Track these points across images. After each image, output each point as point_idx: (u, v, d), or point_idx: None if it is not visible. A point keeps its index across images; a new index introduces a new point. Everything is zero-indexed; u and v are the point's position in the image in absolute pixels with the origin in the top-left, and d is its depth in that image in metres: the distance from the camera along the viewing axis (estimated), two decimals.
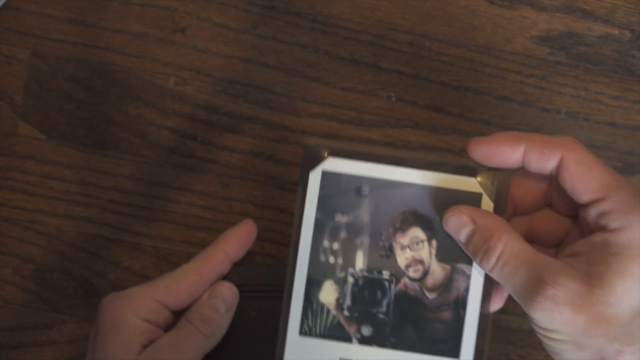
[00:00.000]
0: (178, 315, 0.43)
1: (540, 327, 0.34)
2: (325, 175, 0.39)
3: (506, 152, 0.36)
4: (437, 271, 0.39)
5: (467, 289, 0.38)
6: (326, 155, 0.39)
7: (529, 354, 0.51)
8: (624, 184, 0.34)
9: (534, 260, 0.34)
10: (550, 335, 0.34)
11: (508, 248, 0.35)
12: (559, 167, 0.35)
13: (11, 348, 0.52)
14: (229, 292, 0.42)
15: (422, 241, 0.39)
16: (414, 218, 0.39)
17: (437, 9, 0.51)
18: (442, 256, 0.39)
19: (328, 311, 0.39)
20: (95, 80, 0.52)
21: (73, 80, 0.52)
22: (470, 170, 0.38)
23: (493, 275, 0.36)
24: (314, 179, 0.39)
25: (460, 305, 0.38)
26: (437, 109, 0.51)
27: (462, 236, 0.37)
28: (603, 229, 0.34)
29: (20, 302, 0.52)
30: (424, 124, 0.51)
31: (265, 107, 0.52)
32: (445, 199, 0.38)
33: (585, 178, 0.35)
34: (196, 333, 0.41)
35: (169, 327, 0.43)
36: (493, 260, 0.35)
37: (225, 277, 0.44)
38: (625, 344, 0.33)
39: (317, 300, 0.39)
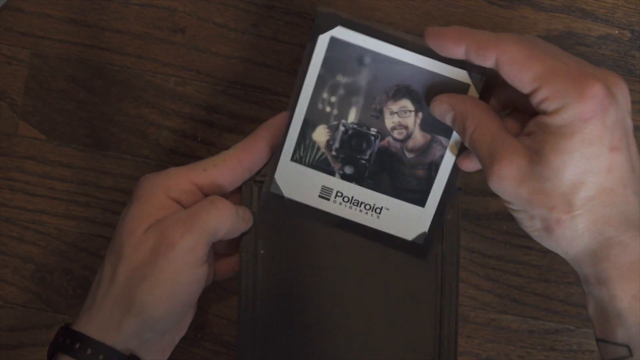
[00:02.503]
0: None
1: (501, 198, 0.40)
2: (333, 40, 0.43)
3: (450, 48, 0.40)
4: (419, 137, 0.44)
5: (441, 157, 0.44)
6: (337, 24, 0.43)
7: (529, 354, 0.51)
8: (557, 71, 0.37)
9: (496, 139, 0.39)
10: (508, 205, 0.40)
11: (478, 128, 0.40)
12: (497, 67, 0.39)
13: (11, 348, 0.52)
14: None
15: (410, 111, 0.44)
16: (406, 91, 0.44)
17: (437, 9, 0.51)
18: (425, 126, 0.44)
19: (318, 148, 0.45)
20: (95, 80, 0.52)
21: (73, 80, 0.52)
22: (463, 63, 0.42)
23: (469, 148, 0.41)
24: (323, 41, 0.43)
25: (433, 167, 0.44)
26: None
27: (446, 121, 0.42)
28: (543, 113, 0.37)
29: (20, 302, 0.52)
30: None
31: (265, 107, 0.52)
32: (437, 82, 0.43)
33: (519, 74, 0.38)
34: (209, 206, 0.42)
35: None
36: (467, 138, 0.40)
37: None
38: (563, 212, 0.37)
39: (310, 138, 0.44)
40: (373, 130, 0.44)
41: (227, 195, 0.44)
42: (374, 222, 0.45)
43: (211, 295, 0.51)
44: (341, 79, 0.44)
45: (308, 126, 0.44)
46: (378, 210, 0.45)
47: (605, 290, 0.37)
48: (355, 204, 0.45)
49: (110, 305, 0.41)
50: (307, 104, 0.44)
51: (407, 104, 0.44)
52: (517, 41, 0.38)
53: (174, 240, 0.40)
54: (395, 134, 0.44)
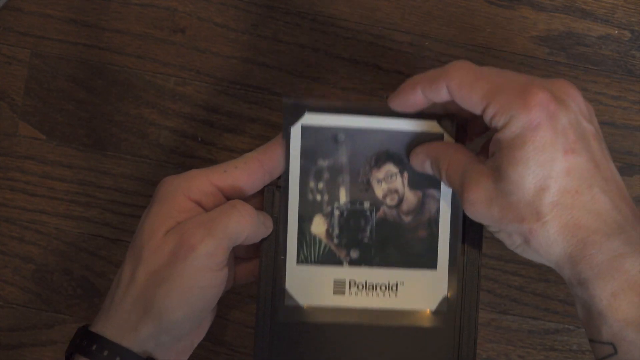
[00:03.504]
0: None
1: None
2: (305, 128, 0.44)
3: (410, 99, 0.41)
4: (410, 197, 0.44)
5: (437, 210, 0.44)
6: (304, 111, 0.44)
7: (529, 354, 0.51)
8: (503, 86, 0.38)
9: (466, 169, 0.40)
10: (487, 228, 0.40)
11: (450, 165, 0.41)
12: (450, 95, 0.40)
13: (11, 348, 0.52)
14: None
15: (395, 174, 0.44)
16: (387, 156, 0.44)
17: (437, 9, 0.51)
18: (413, 184, 0.44)
19: (320, 241, 0.44)
20: (95, 80, 0.52)
21: (73, 80, 0.52)
22: (431, 114, 0.43)
23: (447, 186, 0.42)
24: (295, 132, 0.43)
25: (433, 224, 0.44)
26: None
27: (427, 170, 0.43)
28: (496, 130, 0.38)
29: (20, 302, 0.52)
30: None
31: (265, 107, 0.52)
32: (413, 139, 0.44)
33: (468, 96, 0.39)
34: (230, 210, 0.41)
35: None
36: (443, 176, 0.41)
37: None
38: (533, 221, 0.37)
39: (310, 233, 0.44)
40: (367, 205, 0.44)
41: (248, 198, 0.44)
42: (393, 302, 0.44)
43: None
44: (322, 162, 0.44)
45: (304, 221, 0.44)
46: (394, 288, 0.44)
47: (586, 291, 0.37)
48: (371, 288, 0.44)
49: (128, 307, 0.40)
50: (297, 200, 0.44)
51: (390, 167, 0.44)
52: (463, 67, 0.39)
53: (194, 244, 0.40)
54: (388, 200, 0.44)
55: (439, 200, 0.44)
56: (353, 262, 0.44)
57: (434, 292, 0.44)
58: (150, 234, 0.41)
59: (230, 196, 0.43)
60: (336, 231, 0.44)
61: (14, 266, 0.52)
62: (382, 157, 0.44)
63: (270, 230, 0.44)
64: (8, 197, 0.52)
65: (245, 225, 0.41)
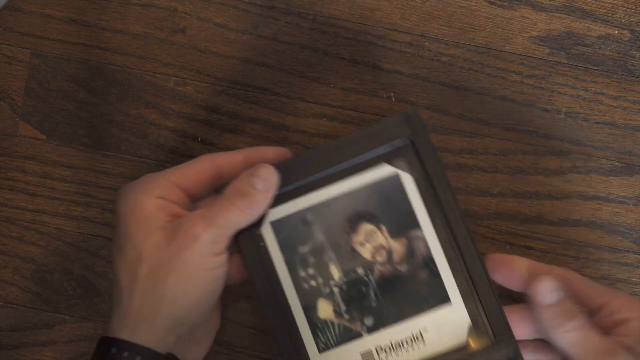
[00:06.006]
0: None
1: None
2: (274, 224, 0.44)
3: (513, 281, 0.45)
4: (397, 247, 0.44)
5: (427, 247, 0.44)
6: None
7: None
8: (616, 293, 0.44)
9: (599, 349, 0.41)
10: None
11: (582, 337, 0.42)
12: (565, 280, 0.44)
13: (11, 348, 0.52)
14: (269, 172, 0.43)
15: (373, 231, 0.44)
16: (358, 217, 0.44)
17: (437, 9, 0.51)
18: (394, 233, 0.44)
19: (332, 323, 0.44)
20: (95, 80, 0.52)
21: (73, 80, 0.52)
22: (377, 157, 0.44)
23: (556, 337, 0.42)
24: (267, 231, 0.44)
25: (429, 262, 0.44)
26: (437, 109, 0.51)
27: (547, 299, 0.42)
28: (618, 323, 0.42)
29: (20, 302, 0.52)
30: None
31: (265, 107, 0.52)
32: (374, 190, 0.44)
33: (587, 291, 0.44)
34: (229, 205, 0.42)
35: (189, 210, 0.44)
36: (570, 335, 0.42)
37: None
38: None
39: (320, 319, 0.44)
40: (361, 271, 0.44)
41: (204, 195, 0.45)
42: (424, 351, 0.44)
43: None
44: (303, 249, 0.44)
45: (310, 311, 0.44)
46: (419, 337, 0.44)
47: None
48: (398, 346, 0.44)
49: (138, 305, 0.41)
50: (295, 294, 0.44)
51: (366, 226, 0.44)
52: (568, 274, 0.45)
53: (197, 233, 0.41)
54: (378, 258, 0.44)
55: (424, 238, 0.44)
56: (371, 330, 0.44)
57: (459, 325, 0.44)
58: (145, 234, 0.42)
59: (184, 189, 0.44)
60: (343, 307, 0.44)
61: (14, 266, 0.52)
62: (354, 220, 0.44)
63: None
64: (8, 197, 0.52)
65: (244, 219, 0.43)
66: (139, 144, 0.52)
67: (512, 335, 0.43)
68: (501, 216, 0.51)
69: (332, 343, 0.44)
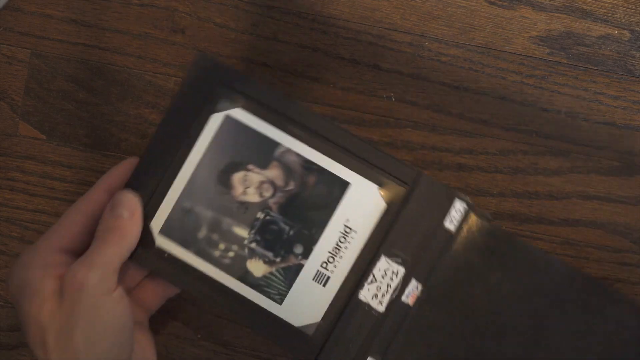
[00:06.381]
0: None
1: None
2: (163, 231, 0.45)
3: None
4: (274, 173, 0.45)
5: (298, 155, 0.44)
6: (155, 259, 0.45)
7: None
8: None
9: None
10: None
11: None
12: None
13: (11, 348, 0.52)
14: (126, 197, 0.44)
15: (245, 175, 0.44)
16: (224, 173, 0.44)
17: (437, 9, 0.51)
18: (263, 164, 0.44)
19: (271, 273, 0.44)
20: (95, 80, 0.52)
21: (73, 80, 0.52)
22: (204, 117, 0.45)
23: None
24: (162, 242, 0.45)
25: (309, 166, 0.44)
26: (437, 109, 0.51)
27: None
28: None
29: None
30: (423, 124, 0.51)
31: None
32: (220, 143, 0.44)
33: None
34: (103, 243, 0.42)
35: None
36: None
37: None
38: None
39: (260, 278, 0.44)
40: (260, 215, 0.44)
41: (83, 243, 0.44)
42: (360, 235, 0.45)
43: None
44: (202, 233, 0.44)
45: (247, 278, 0.44)
46: (348, 229, 0.45)
47: None
48: (337, 249, 0.45)
49: None
50: (224, 274, 0.44)
51: (237, 176, 0.45)
52: None
53: (81, 280, 0.41)
54: (266, 194, 0.45)
55: (289, 149, 0.44)
56: (306, 254, 0.44)
57: (370, 195, 0.45)
58: (38, 306, 0.41)
59: (66, 247, 0.44)
60: (270, 254, 0.45)
61: None
62: (222, 177, 0.44)
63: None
64: (8, 197, 0.52)
65: (122, 249, 0.43)
66: (139, 144, 0.52)
67: (411, 167, 0.44)
68: (501, 216, 0.51)
69: (284, 289, 0.44)
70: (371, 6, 0.52)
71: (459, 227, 0.45)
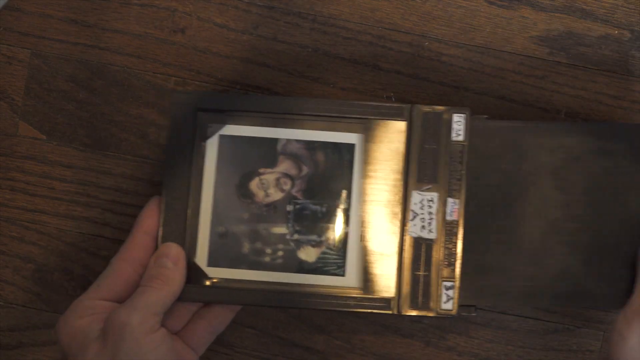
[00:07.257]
0: None
1: None
2: (210, 260, 0.47)
3: None
4: (285, 166, 0.46)
5: (298, 140, 0.46)
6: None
7: (529, 354, 0.51)
8: None
9: None
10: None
11: None
12: None
13: (11, 348, 0.52)
14: (171, 249, 0.45)
15: (260, 180, 0.46)
16: (239, 187, 0.46)
17: (437, 9, 0.51)
18: (271, 164, 0.46)
19: (324, 252, 0.46)
20: (95, 81, 0.52)
21: (73, 80, 0.52)
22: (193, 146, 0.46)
23: None
24: (215, 272, 0.46)
25: (314, 145, 0.46)
26: None
27: None
28: None
29: (20, 302, 0.52)
30: None
31: None
32: (224, 164, 0.46)
33: None
34: (147, 289, 0.44)
35: None
36: None
37: None
38: None
39: (315, 263, 0.46)
40: (290, 207, 0.46)
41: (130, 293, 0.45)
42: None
43: None
44: (245, 248, 0.46)
45: (305, 267, 0.46)
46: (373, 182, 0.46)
47: None
48: (371, 201, 0.46)
49: None
50: (284, 275, 0.46)
51: (252, 184, 0.46)
52: None
53: (124, 320, 0.42)
54: (286, 187, 0.46)
55: (287, 138, 0.46)
56: (347, 222, 0.46)
57: (396, 129, 0.47)
58: (84, 350, 0.43)
59: (116, 300, 0.45)
60: (315, 236, 0.46)
61: (14, 266, 0.52)
62: (241, 193, 0.46)
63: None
64: (8, 197, 0.52)
65: (165, 295, 0.44)
66: (139, 144, 0.52)
67: (402, 103, 0.47)
68: None
69: (341, 261, 0.46)
70: (371, 6, 0.52)
71: (467, 136, 0.46)
